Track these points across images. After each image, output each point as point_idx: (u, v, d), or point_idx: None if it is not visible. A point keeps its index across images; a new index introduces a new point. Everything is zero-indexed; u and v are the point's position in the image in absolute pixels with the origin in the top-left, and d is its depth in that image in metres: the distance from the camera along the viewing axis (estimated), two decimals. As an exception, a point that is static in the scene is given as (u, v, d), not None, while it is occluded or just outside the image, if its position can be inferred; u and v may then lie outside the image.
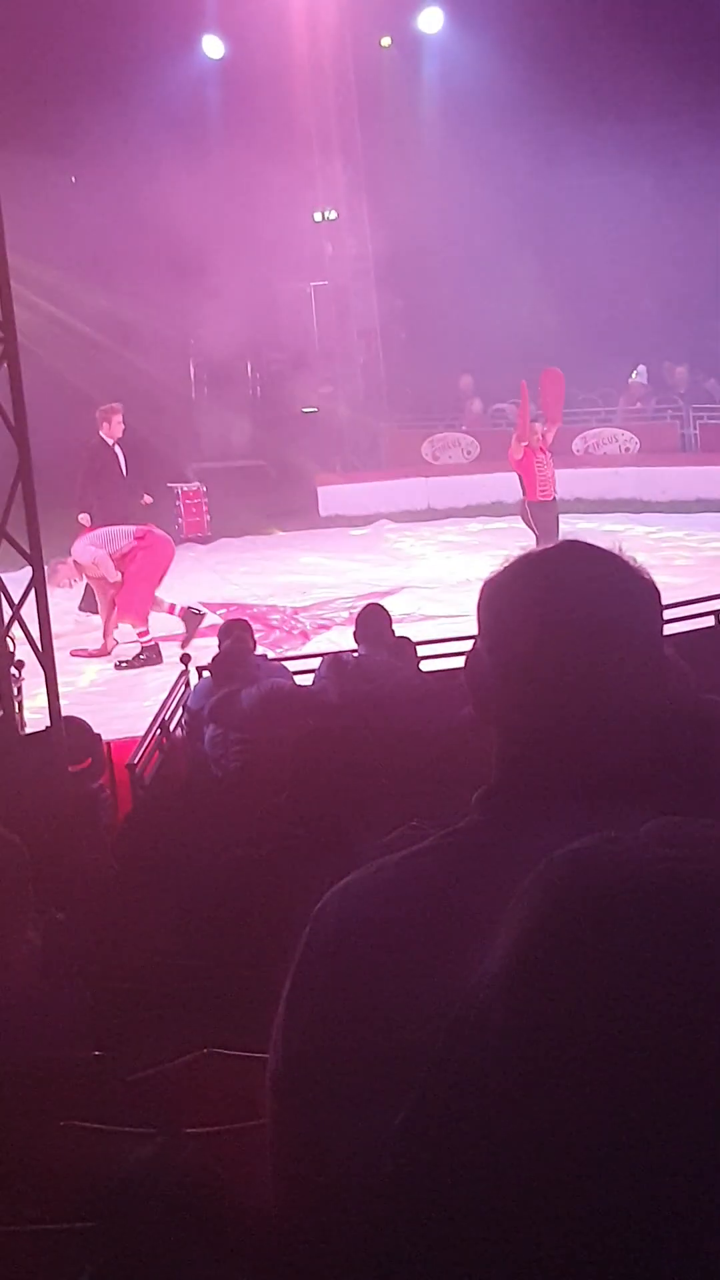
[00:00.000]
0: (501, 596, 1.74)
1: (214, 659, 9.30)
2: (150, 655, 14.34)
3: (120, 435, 16.64)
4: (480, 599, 1.77)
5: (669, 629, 9.73)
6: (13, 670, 8.68)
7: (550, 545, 1.78)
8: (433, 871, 1.59)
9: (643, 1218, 1.07)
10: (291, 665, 9.98)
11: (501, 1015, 1.17)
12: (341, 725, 5.31)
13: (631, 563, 1.74)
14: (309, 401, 25.15)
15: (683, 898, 1.15)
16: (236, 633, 9.83)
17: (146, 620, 14.52)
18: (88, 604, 15.74)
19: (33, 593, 8.26)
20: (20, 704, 9.29)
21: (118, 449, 16.58)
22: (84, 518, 15.89)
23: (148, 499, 16.65)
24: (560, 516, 16.33)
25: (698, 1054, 1.09)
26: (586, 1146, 1.09)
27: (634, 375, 24.46)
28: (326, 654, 9.24)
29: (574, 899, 1.18)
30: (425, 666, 9.61)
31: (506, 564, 1.76)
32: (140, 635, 14.47)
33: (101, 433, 16.53)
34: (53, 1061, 3.34)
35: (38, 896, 4.08)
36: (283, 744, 5.17)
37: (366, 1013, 1.46)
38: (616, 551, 1.74)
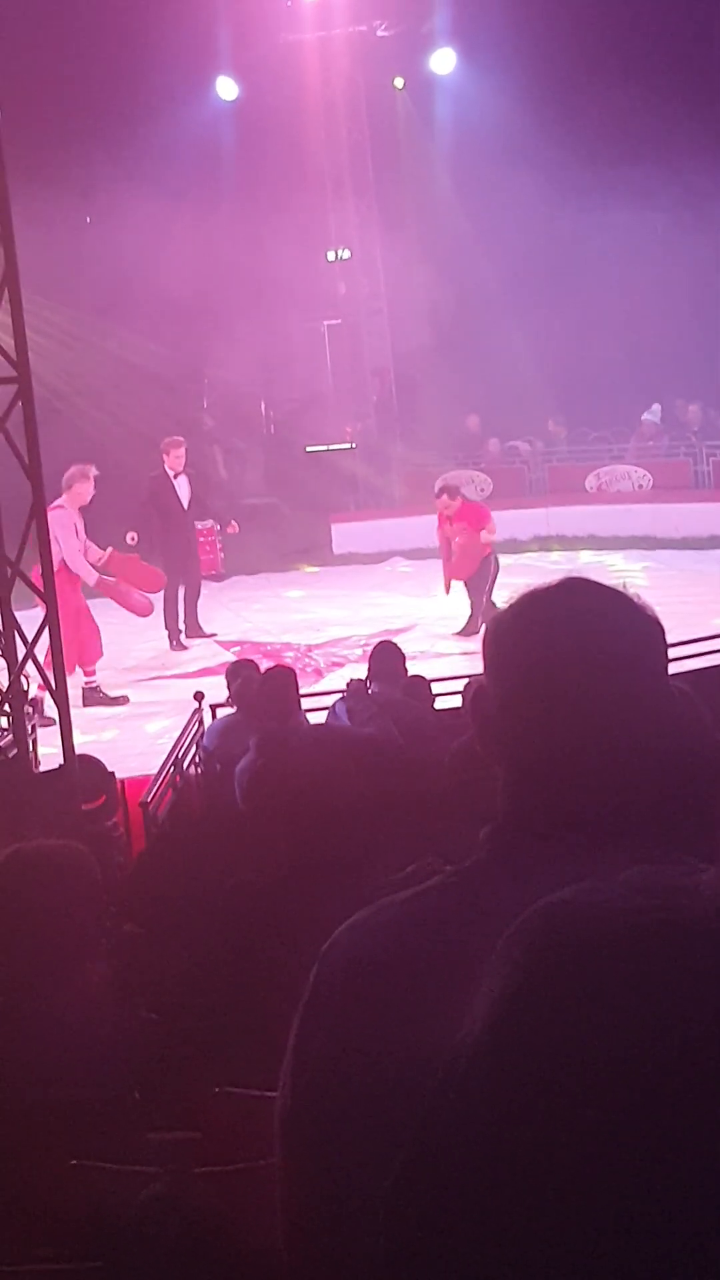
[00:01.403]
0: (507, 632, 1.74)
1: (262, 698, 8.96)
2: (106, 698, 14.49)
3: (181, 468, 16.69)
4: (486, 634, 1.78)
5: (682, 665, 9.72)
6: (27, 708, 8.70)
7: (556, 582, 1.78)
8: (439, 911, 1.59)
9: (632, 1277, 1.07)
10: (305, 703, 9.95)
11: (485, 1075, 1.16)
12: (351, 763, 5.30)
13: (636, 599, 1.74)
14: (326, 439, 25.19)
15: (653, 949, 1.14)
16: (245, 673, 9.77)
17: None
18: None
19: (46, 631, 8.28)
20: (35, 742, 9.30)
21: (180, 481, 16.65)
22: (131, 536, 16.03)
23: (133, 536, 16.34)
24: (572, 553, 16.45)
25: (678, 1109, 1.08)
26: (575, 1208, 1.09)
27: (648, 414, 24.51)
28: (351, 688, 9.05)
29: (549, 956, 1.17)
30: (438, 704, 9.60)
31: (513, 600, 1.77)
32: (88, 675, 14.52)
33: (165, 465, 16.61)
34: (69, 1100, 3.33)
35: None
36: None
37: (373, 1053, 1.46)
38: (621, 589, 1.75)
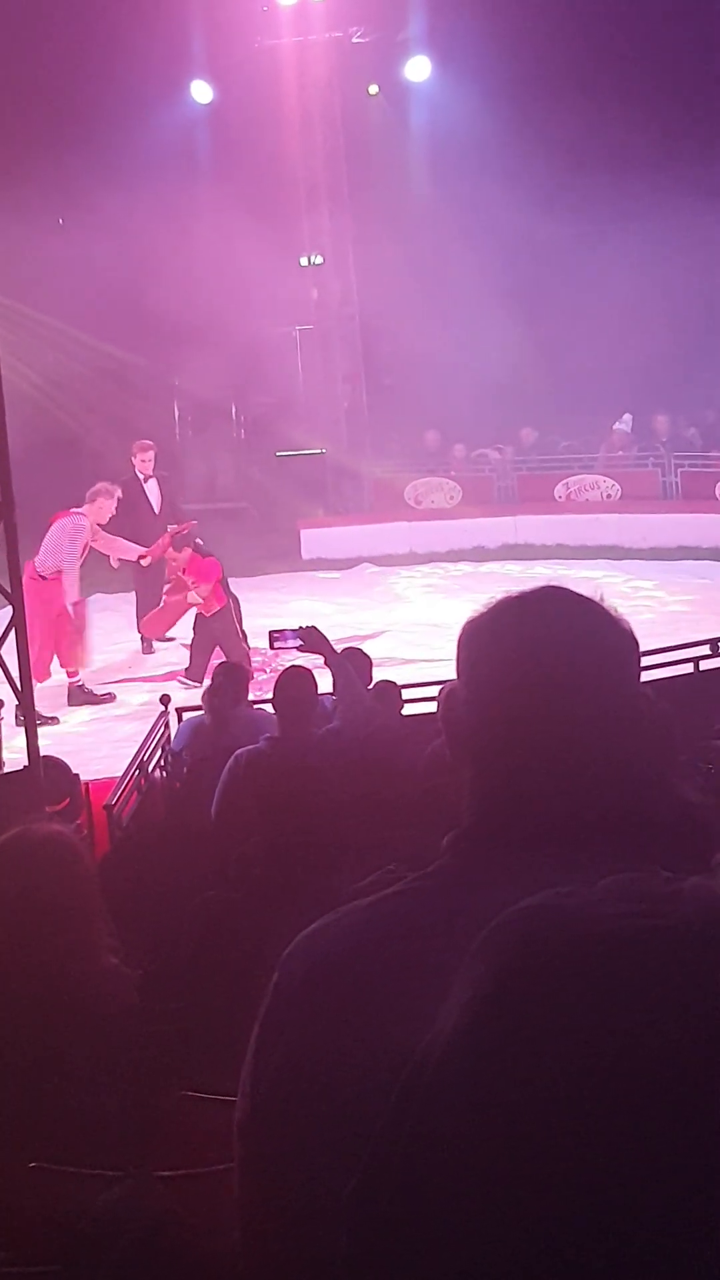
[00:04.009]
0: (480, 638, 1.74)
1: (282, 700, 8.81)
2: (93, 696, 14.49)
3: (151, 472, 16.69)
4: (460, 639, 1.77)
5: (652, 674, 9.74)
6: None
7: (531, 589, 1.77)
8: (401, 917, 1.58)
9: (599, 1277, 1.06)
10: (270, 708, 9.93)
11: (456, 1078, 1.16)
12: (312, 767, 5.30)
13: (610, 610, 1.74)
14: (297, 444, 25.19)
15: (636, 954, 1.14)
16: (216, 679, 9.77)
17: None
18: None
19: (13, 632, 8.25)
20: (-1, 743, 9.27)
21: (150, 484, 16.61)
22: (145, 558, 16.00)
23: (115, 564, 16.19)
24: (540, 561, 16.22)
25: (663, 1114, 1.08)
26: (548, 1214, 1.08)
27: (618, 424, 24.58)
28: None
29: (526, 959, 1.17)
30: (406, 710, 9.59)
31: (487, 606, 1.76)
32: (71, 675, 14.54)
33: (135, 469, 16.60)
34: (22, 1101, 3.30)
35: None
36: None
37: (333, 1059, 1.45)
38: (595, 598, 1.75)
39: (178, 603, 15.39)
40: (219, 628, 14.82)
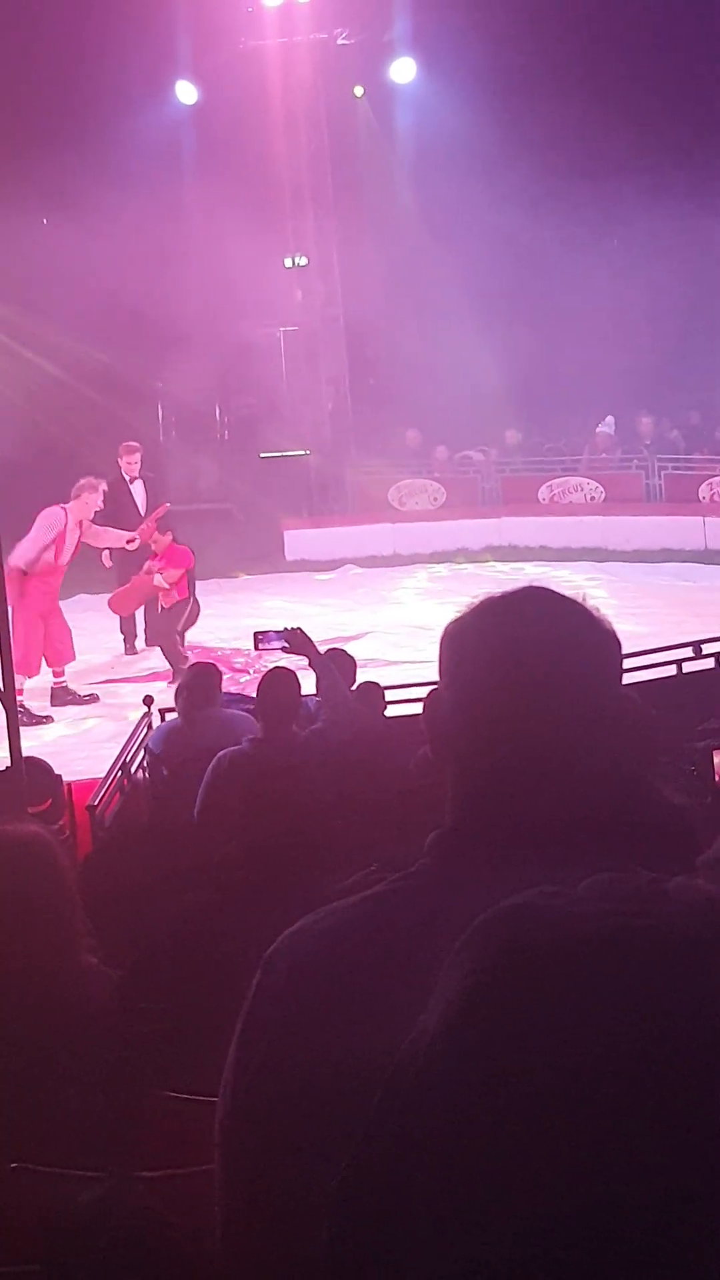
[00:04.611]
0: (463, 638, 1.73)
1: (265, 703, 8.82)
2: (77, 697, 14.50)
3: (137, 473, 16.68)
4: (443, 640, 1.76)
5: (635, 677, 9.75)
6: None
7: (514, 590, 1.77)
8: (383, 916, 1.58)
9: (592, 1277, 1.06)
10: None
11: (440, 1077, 1.16)
12: (294, 768, 5.30)
13: (593, 611, 1.74)
14: (281, 445, 25.19)
15: (620, 954, 1.14)
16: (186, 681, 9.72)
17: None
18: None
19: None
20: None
21: (135, 486, 16.61)
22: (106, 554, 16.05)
23: (108, 563, 16.36)
24: (524, 563, 16.19)
25: (636, 1112, 1.08)
26: (531, 1211, 1.08)
27: (602, 426, 24.60)
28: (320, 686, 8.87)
29: (509, 958, 1.17)
30: (389, 711, 9.58)
31: (469, 607, 1.76)
32: (56, 676, 14.56)
33: (121, 470, 16.59)
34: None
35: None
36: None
37: (315, 1058, 1.45)
38: (578, 599, 1.75)
39: (144, 583, 15.47)
40: (166, 624, 14.92)
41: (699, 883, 1.20)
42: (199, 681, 9.50)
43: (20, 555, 13.98)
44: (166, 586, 14.97)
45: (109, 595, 16.28)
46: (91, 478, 14.90)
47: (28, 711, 14.18)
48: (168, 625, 14.90)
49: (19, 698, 13.95)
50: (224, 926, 4.11)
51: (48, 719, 14.01)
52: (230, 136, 23.75)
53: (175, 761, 9.00)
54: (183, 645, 14.93)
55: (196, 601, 15.30)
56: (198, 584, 16.92)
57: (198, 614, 15.33)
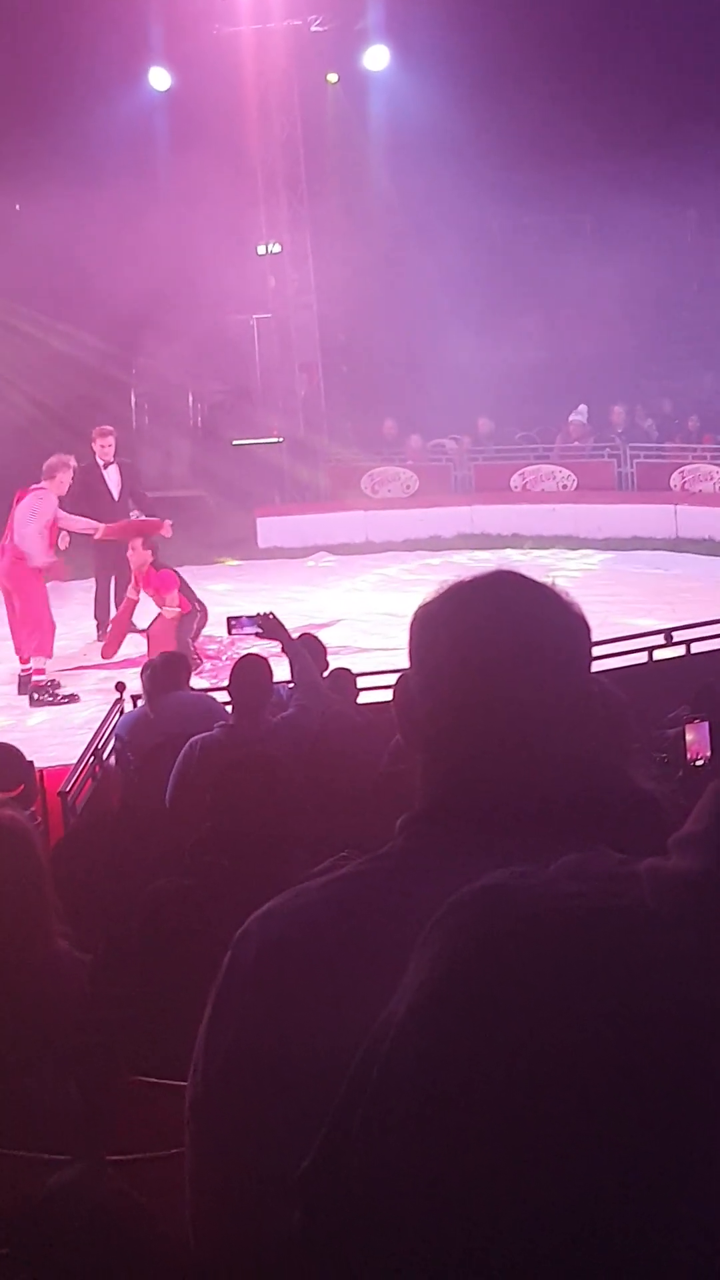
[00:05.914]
0: (432, 622, 1.73)
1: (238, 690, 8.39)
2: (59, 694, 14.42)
3: (111, 458, 16.55)
4: (412, 624, 1.76)
5: (606, 664, 9.78)
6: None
7: (484, 573, 1.77)
8: (354, 898, 1.58)
9: (561, 1262, 1.06)
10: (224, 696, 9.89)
11: (411, 1057, 1.16)
12: (264, 754, 5.29)
13: (563, 595, 1.73)
14: (253, 433, 25.14)
15: (593, 935, 1.14)
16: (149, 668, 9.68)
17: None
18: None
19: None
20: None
21: (109, 470, 16.51)
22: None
23: (64, 544, 16.15)
24: (496, 550, 16.11)
25: (607, 1092, 1.08)
26: (501, 1195, 1.08)
27: (574, 415, 24.62)
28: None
29: (480, 939, 1.17)
30: (361, 699, 9.59)
31: (439, 591, 1.76)
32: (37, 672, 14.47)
33: (94, 455, 16.47)
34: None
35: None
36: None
37: (286, 1039, 1.45)
38: (548, 583, 1.75)
39: (124, 621, 15.36)
40: (179, 637, 14.81)
41: (671, 863, 1.21)
42: (165, 663, 9.50)
43: (39, 554, 14.03)
44: (179, 611, 14.88)
45: (109, 632, 15.90)
46: (61, 454, 14.84)
47: (51, 691, 14.17)
48: (180, 638, 14.78)
49: (39, 678, 14.10)
50: (196, 912, 4.11)
51: (74, 697, 14.05)
52: (204, 123, 23.66)
53: (142, 748, 8.98)
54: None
55: (203, 605, 15.22)
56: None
57: (207, 616, 15.23)
